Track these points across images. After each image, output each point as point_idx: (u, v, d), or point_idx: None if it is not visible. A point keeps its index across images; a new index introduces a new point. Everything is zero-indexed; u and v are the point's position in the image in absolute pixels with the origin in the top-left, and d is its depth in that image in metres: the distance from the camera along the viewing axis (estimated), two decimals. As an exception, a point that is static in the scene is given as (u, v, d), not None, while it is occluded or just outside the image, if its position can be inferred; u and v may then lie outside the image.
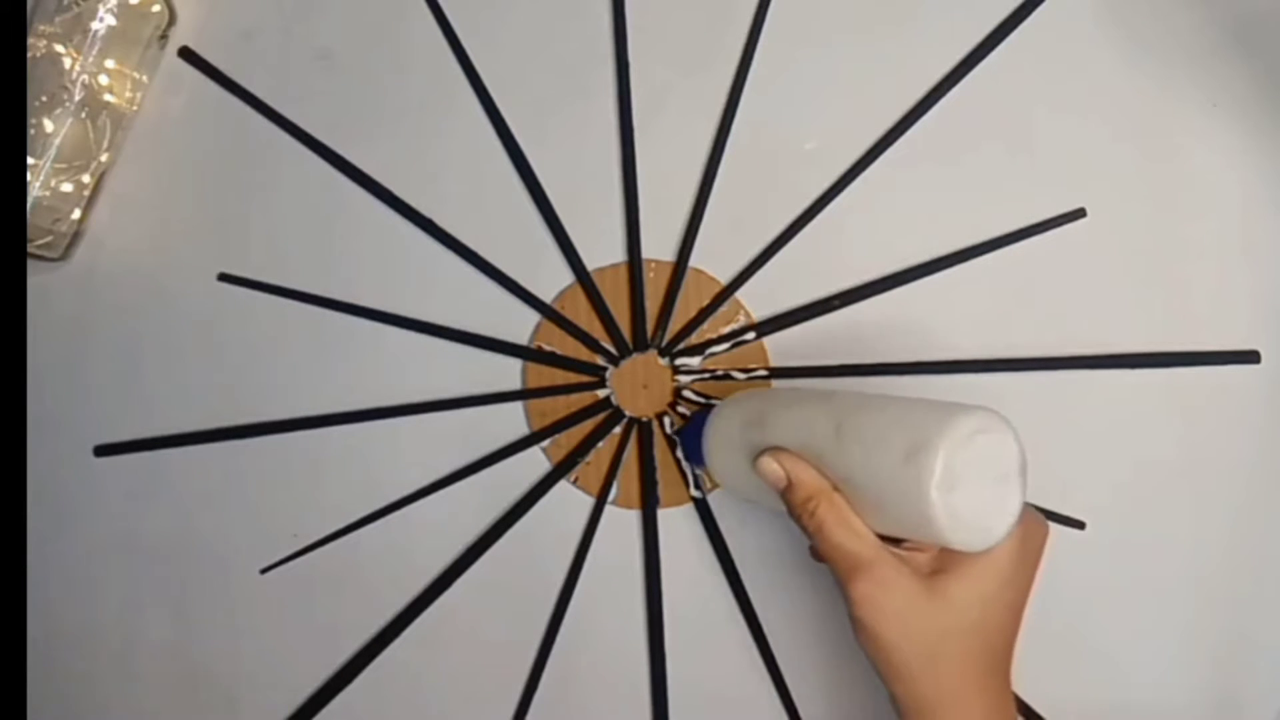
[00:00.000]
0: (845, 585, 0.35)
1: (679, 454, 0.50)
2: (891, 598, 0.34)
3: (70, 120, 0.48)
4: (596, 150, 0.51)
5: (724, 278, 0.51)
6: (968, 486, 0.32)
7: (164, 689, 0.52)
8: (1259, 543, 0.50)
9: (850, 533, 0.34)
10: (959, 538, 0.32)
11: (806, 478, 0.36)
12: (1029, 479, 0.34)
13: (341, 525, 0.51)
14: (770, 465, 0.36)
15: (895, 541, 0.36)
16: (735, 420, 0.41)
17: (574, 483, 0.51)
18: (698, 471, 0.50)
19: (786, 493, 0.36)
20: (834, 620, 0.50)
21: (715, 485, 0.50)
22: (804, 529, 0.36)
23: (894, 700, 0.36)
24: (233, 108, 0.51)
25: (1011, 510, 0.33)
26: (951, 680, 0.34)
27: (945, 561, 0.35)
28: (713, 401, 0.50)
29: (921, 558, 0.36)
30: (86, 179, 0.50)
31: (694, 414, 0.49)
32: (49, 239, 0.50)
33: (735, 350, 0.50)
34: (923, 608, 0.34)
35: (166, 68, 0.51)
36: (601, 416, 0.51)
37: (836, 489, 0.35)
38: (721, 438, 0.42)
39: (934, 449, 0.32)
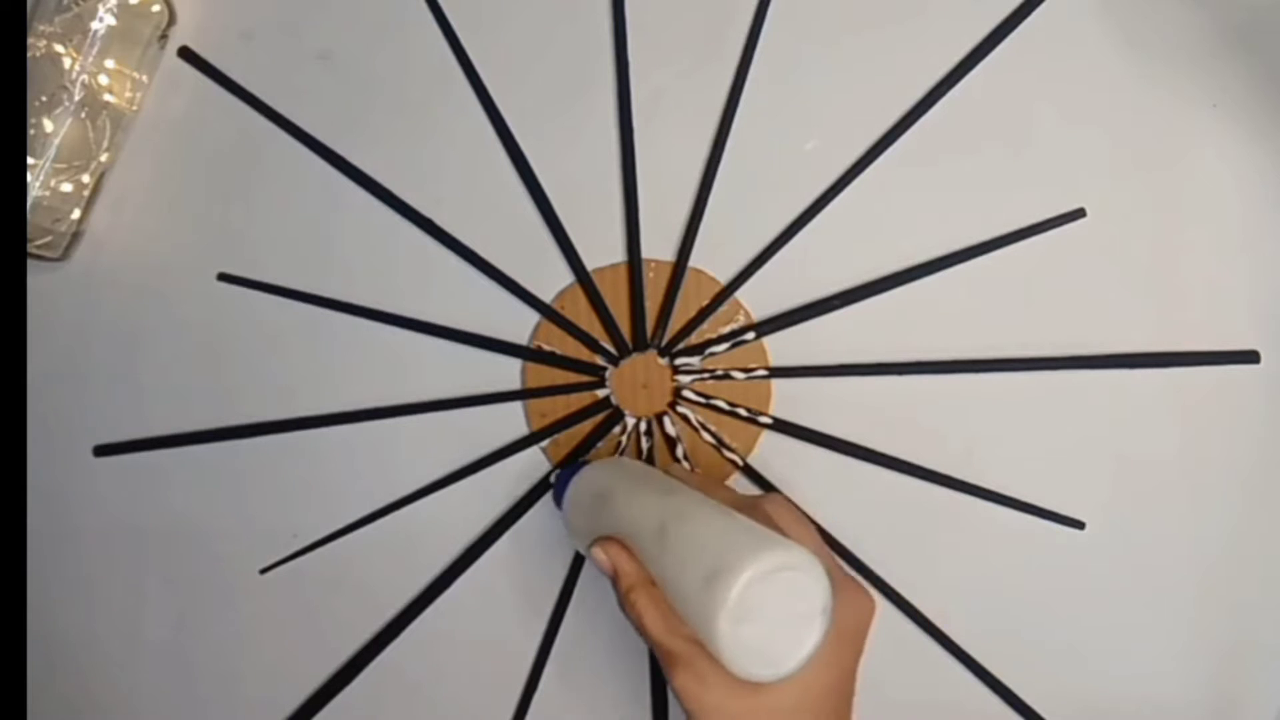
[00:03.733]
0: (667, 677, 0.35)
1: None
2: (708, 690, 0.34)
3: (70, 120, 0.48)
4: (596, 150, 0.51)
5: (724, 278, 0.51)
6: (762, 621, 0.32)
7: (164, 689, 0.52)
8: (1259, 543, 0.50)
9: (665, 628, 0.35)
10: (742, 667, 0.32)
11: (628, 569, 0.37)
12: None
13: (341, 525, 0.51)
14: (598, 554, 0.38)
15: None
16: (591, 488, 0.42)
17: (574, 483, 0.51)
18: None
19: (613, 581, 0.38)
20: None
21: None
22: (628, 618, 0.37)
23: None
24: (233, 108, 0.51)
25: (807, 646, 0.33)
26: None
27: None
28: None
29: None
30: (86, 179, 0.50)
31: (575, 462, 0.49)
32: (49, 239, 0.50)
33: (735, 350, 0.50)
34: (738, 698, 0.34)
35: (166, 68, 0.51)
36: (601, 416, 0.51)
37: (655, 584, 0.36)
38: (578, 500, 0.43)
39: (731, 579, 0.31)
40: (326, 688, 0.51)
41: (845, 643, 0.36)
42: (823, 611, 0.33)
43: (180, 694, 0.52)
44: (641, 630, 0.36)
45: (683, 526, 0.35)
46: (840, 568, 0.38)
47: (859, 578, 0.38)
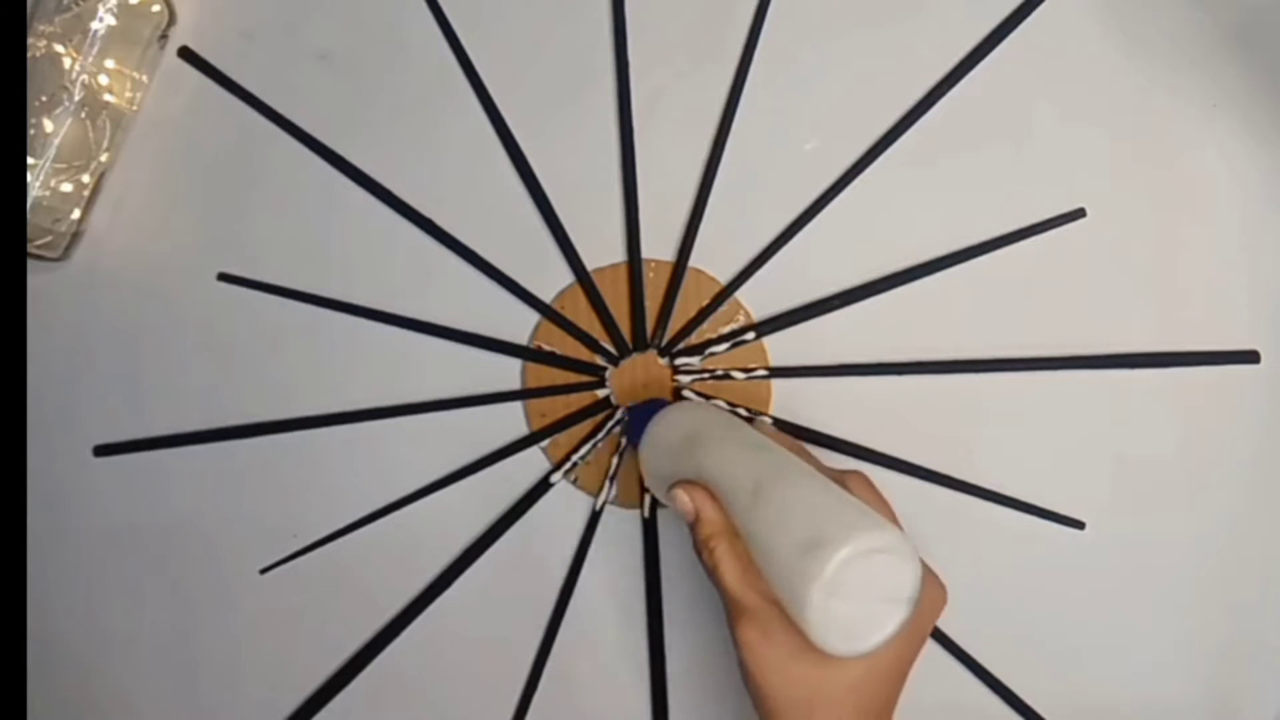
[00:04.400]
0: (732, 627, 0.35)
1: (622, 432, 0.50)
2: (772, 647, 0.34)
3: (70, 120, 0.48)
4: (596, 150, 0.51)
5: (724, 278, 0.51)
6: (852, 598, 0.32)
7: (164, 689, 0.52)
8: (1259, 543, 0.50)
9: (741, 578, 0.35)
10: (825, 639, 0.32)
11: (712, 516, 0.37)
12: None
13: (341, 525, 0.51)
14: (681, 497, 0.37)
15: None
16: (678, 429, 0.41)
17: (574, 483, 0.51)
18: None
19: (693, 526, 0.37)
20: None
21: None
22: (703, 563, 0.37)
23: None
24: (233, 108, 0.51)
25: (889, 630, 0.32)
26: None
27: None
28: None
29: None
30: (86, 179, 0.50)
31: (651, 400, 0.48)
32: (49, 239, 0.50)
33: (735, 350, 0.50)
34: (801, 664, 0.34)
35: (166, 68, 0.51)
36: (601, 416, 0.51)
37: (738, 534, 0.36)
38: (660, 439, 0.42)
39: (830, 552, 0.31)
40: (326, 688, 0.51)
41: (914, 631, 0.35)
42: (910, 600, 0.33)
43: (180, 694, 0.52)
44: (716, 578, 0.36)
45: (781, 487, 0.35)
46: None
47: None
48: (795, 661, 0.34)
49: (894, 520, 0.37)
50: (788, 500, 0.34)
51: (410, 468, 0.51)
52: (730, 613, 0.36)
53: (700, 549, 0.37)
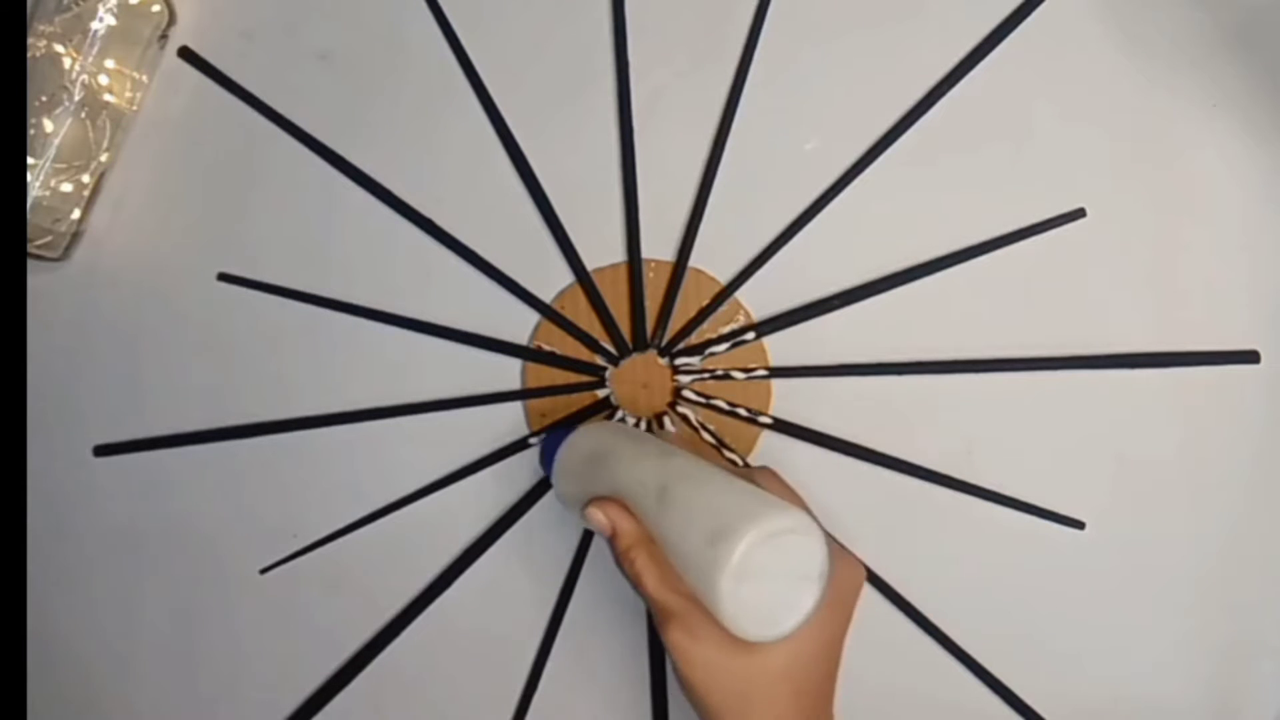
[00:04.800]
0: (661, 632, 0.36)
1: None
2: (700, 647, 0.35)
3: (70, 120, 0.48)
4: (596, 150, 0.51)
5: (724, 278, 0.51)
6: (762, 581, 0.33)
7: (164, 689, 0.52)
8: (1259, 543, 0.50)
9: (663, 584, 0.36)
10: (741, 626, 0.33)
11: (627, 528, 0.37)
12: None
13: (341, 525, 0.51)
14: (595, 515, 0.38)
15: None
16: (581, 451, 0.42)
17: (574, 483, 0.51)
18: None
19: (611, 540, 0.38)
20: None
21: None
22: (625, 576, 0.37)
23: None
24: (233, 108, 0.51)
25: (804, 609, 0.34)
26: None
27: None
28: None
29: None
30: (86, 179, 0.50)
31: (559, 427, 0.49)
32: (49, 239, 0.50)
33: (735, 350, 0.50)
34: (730, 658, 0.35)
35: (166, 68, 0.51)
36: (601, 416, 0.51)
37: (655, 542, 0.37)
38: (568, 465, 0.43)
39: (735, 539, 0.32)
40: (326, 687, 0.51)
41: (836, 609, 0.36)
42: (820, 576, 0.34)
43: (180, 694, 0.52)
44: (640, 587, 0.36)
45: (685, 487, 0.36)
46: (831, 537, 0.38)
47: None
48: (724, 657, 0.35)
49: (802, 506, 0.38)
50: (691, 499, 0.35)
51: (410, 468, 0.51)
52: (657, 619, 0.36)
53: (621, 561, 0.37)
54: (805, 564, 0.34)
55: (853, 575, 0.38)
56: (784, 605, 0.33)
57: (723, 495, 0.35)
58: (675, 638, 0.35)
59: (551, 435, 0.45)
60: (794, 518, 0.33)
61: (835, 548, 0.37)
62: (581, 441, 0.43)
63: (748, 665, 0.35)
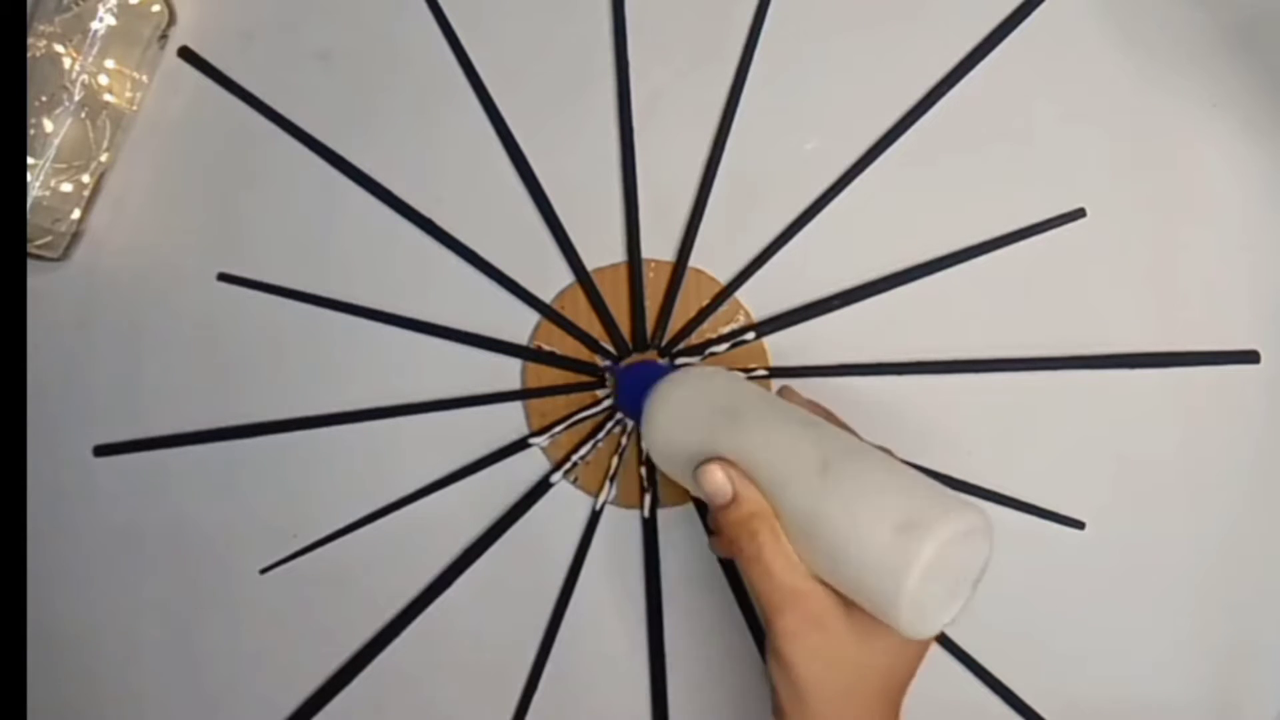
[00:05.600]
0: (772, 616, 0.34)
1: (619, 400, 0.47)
2: (821, 634, 0.33)
3: (70, 120, 0.48)
4: (596, 150, 0.51)
5: (724, 278, 0.51)
6: (940, 580, 0.31)
7: (164, 689, 0.52)
8: (1259, 543, 0.50)
9: (788, 562, 0.33)
10: (905, 621, 0.31)
11: (753, 496, 0.34)
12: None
13: (341, 525, 0.51)
14: (718, 476, 0.35)
15: None
16: (704, 399, 0.38)
17: (574, 482, 0.51)
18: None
19: (724, 509, 0.35)
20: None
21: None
22: (737, 549, 0.35)
23: None
24: (233, 108, 0.51)
25: (953, 611, 0.32)
26: (858, 717, 0.34)
27: None
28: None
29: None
30: (86, 179, 0.50)
31: (647, 362, 0.45)
32: (49, 239, 0.50)
33: (735, 350, 0.50)
34: (849, 645, 0.33)
35: (166, 68, 0.51)
36: (601, 416, 0.51)
37: (779, 517, 0.34)
38: (680, 410, 0.38)
39: (932, 534, 0.30)
40: (326, 688, 0.51)
41: None
42: (976, 581, 0.33)
43: (180, 694, 0.52)
44: (757, 565, 0.34)
45: (854, 464, 0.33)
46: None
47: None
48: (843, 646, 0.33)
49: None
50: (865, 479, 0.33)
51: (410, 468, 0.51)
52: (770, 602, 0.34)
53: (739, 530, 0.34)
54: (974, 565, 0.32)
55: None
56: (941, 606, 0.32)
57: (905, 483, 0.32)
58: (794, 625, 0.33)
59: (634, 370, 0.41)
60: (980, 516, 0.32)
61: None
62: (704, 386, 0.39)
63: (860, 659, 0.33)
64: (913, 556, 0.30)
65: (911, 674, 0.36)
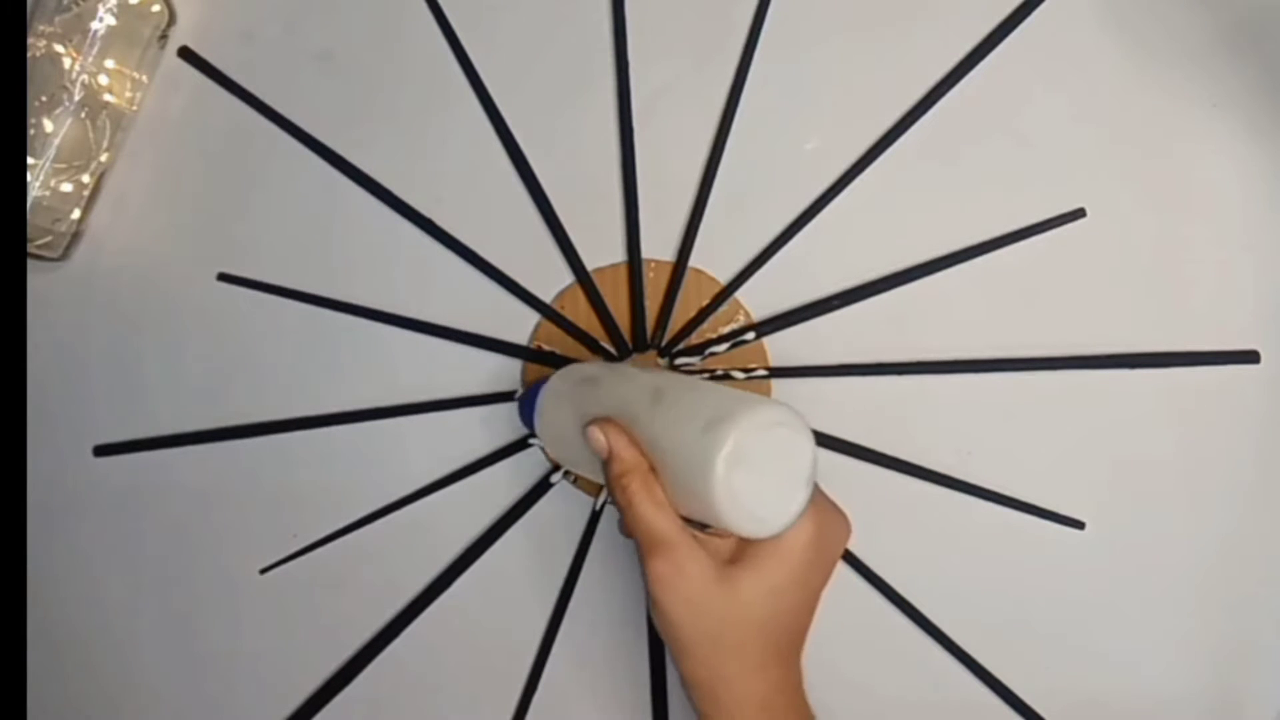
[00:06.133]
0: (645, 562, 0.36)
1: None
2: (684, 581, 0.35)
3: (70, 120, 0.48)
4: (596, 150, 0.51)
5: (724, 278, 0.51)
6: (753, 471, 0.33)
7: (164, 689, 0.52)
8: (1259, 543, 0.50)
9: (657, 511, 0.35)
10: (732, 518, 0.33)
11: (625, 453, 0.36)
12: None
13: (341, 525, 0.51)
14: (595, 434, 0.37)
15: (702, 527, 0.37)
16: (571, 379, 0.42)
17: (574, 483, 0.51)
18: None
19: (607, 464, 0.37)
20: (832, 618, 0.50)
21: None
22: (616, 502, 0.37)
23: (679, 674, 0.37)
24: (233, 108, 0.51)
25: (791, 510, 0.34)
26: (731, 664, 0.36)
27: (742, 552, 0.36)
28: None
29: (723, 545, 0.37)
30: (86, 179, 0.50)
31: (537, 382, 0.48)
32: (49, 239, 0.50)
33: (735, 350, 0.50)
34: (712, 594, 0.35)
35: (166, 68, 0.51)
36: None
37: (652, 469, 0.36)
38: (555, 397, 0.43)
39: (731, 423, 0.33)
40: (327, 688, 0.51)
41: (820, 560, 0.37)
42: (808, 480, 0.34)
43: (180, 694, 0.52)
44: (630, 514, 0.36)
45: (680, 388, 0.37)
46: (819, 488, 0.38)
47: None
48: (706, 594, 0.35)
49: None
50: (686, 397, 0.36)
51: (410, 468, 0.51)
52: (643, 548, 0.36)
53: (614, 486, 0.36)
54: (795, 463, 0.34)
55: (839, 529, 0.38)
56: (772, 502, 0.34)
57: (717, 392, 0.35)
58: (660, 568, 0.35)
59: (528, 392, 0.45)
60: (786, 413, 0.34)
61: (824, 498, 0.38)
62: (569, 373, 0.43)
63: (727, 606, 0.35)
64: (717, 446, 0.32)
65: (799, 626, 0.37)
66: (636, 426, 0.37)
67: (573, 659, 0.51)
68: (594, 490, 0.51)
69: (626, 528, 0.37)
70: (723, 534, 0.37)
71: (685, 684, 0.37)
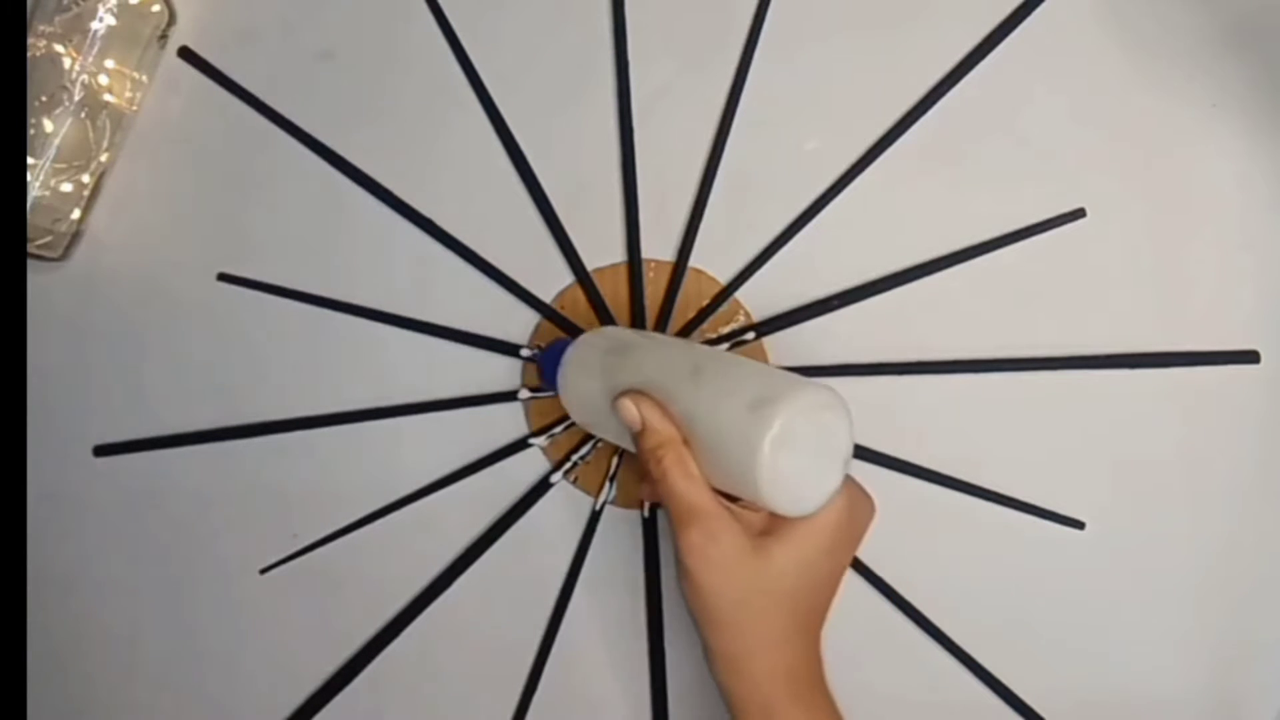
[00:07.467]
0: (677, 532, 0.36)
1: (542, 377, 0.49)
2: (717, 550, 0.35)
3: (70, 120, 0.48)
4: (596, 150, 0.51)
5: (724, 278, 0.51)
6: (797, 452, 0.33)
7: (164, 689, 0.52)
8: (1259, 543, 0.50)
9: (690, 482, 0.36)
10: (772, 497, 0.34)
11: (660, 425, 0.37)
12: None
13: (341, 525, 0.51)
14: (628, 406, 0.37)
15: (732, 500, 0.37)
16: (600, 346, 0.42)
17: (574, 483, 0.51)
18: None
19: (639, 436, 0.37)
20: (832, 618, 0.50)
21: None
22: (648, 473, 0.37)
23: (704, 646, 0.37)
24: (233, 108, 0.51)
25: (828, 489, 0.35)
26: (755, 636, 0.36)
27: (773, 525, 0.37)
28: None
29: (754, 517, 0.38)
30: (86, 179, 0.50)
31: (556, 340, 0.48)
32: (49, 239, 0.50)
33: (735, 350, 0.50)
34: (743, 564, 0.35)
35: (166, 68, 0.51)
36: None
37: (685, 442, 0.36)
38: (582, 364, 0.42)
39: (779, 405, 0.33)
40: (327, 687, 0.51)
41: (849, 538, 0.37)
42: (846, 458, 0.35)
43: (181, 694, 0.52)
44: (664, 485, 0.36)
45: (720, 364, 0.36)
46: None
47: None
48: (734, 566, 0.35)
49: None
50: (728, 372, 0.36)
51: (410, 468, 0.51)
52: (676, 519, 0.36)
53: (647, 458, 0.37)
54: (837, 442, 0.35)
55: (866, 509, 0.39)
56: (811, 482, 0.34)
57: (760, 371, 0.36)
58: (694, 537, 0.35)
59: (549, 347, 0.45)
60: (831, 395, 0.34)
61: (851, 479, 0.38)
62: (597, 339, 0.43)
63: (759, 575, 0.35)
64: (764, 427, 0.33)
65: (823, 601, 0.38)
66: (672, 400, 0.36)
67: (573, 659, 0.51)
68: (594, 490, 0.51)
69: (657, 497, 0.37)
70: (754, 507, 0.38)
71: (710, 658, 0.37)
